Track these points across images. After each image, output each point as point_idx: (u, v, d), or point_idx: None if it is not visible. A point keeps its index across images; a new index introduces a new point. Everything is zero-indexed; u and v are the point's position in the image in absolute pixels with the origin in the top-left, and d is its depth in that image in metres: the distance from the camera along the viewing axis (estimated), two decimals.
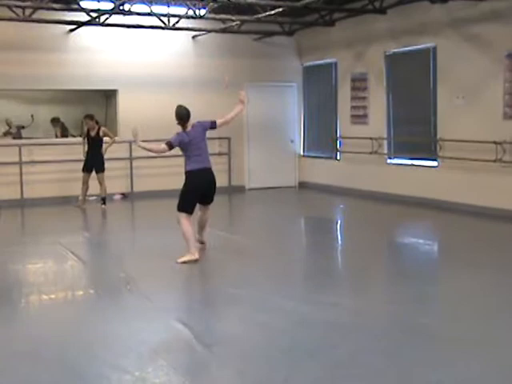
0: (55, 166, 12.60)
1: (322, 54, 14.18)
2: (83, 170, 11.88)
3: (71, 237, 9.24)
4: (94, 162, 11.82)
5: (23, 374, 4.45)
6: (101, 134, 11.76)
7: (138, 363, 4.58)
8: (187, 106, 7.56)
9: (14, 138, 13.59)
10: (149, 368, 4.49)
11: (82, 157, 11.94)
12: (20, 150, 12.37)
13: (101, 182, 11.91)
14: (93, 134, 11.78)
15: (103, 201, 11.95)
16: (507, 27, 9.98)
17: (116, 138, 12.07)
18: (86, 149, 11.88)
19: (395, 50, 12.29)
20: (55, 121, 14.03)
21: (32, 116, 14.05)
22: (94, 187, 12.32)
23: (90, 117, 11.87)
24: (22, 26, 11.83)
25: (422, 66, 11.76)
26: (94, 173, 11.89)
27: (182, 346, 4.87)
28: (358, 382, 4.24)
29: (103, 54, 12.94)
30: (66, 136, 13.78)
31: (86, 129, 11.93)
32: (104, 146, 11.83)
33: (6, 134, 13.86)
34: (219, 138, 13.93)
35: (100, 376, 4.40)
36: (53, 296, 6.43)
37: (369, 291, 6.55)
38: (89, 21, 11.79)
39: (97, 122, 11.97)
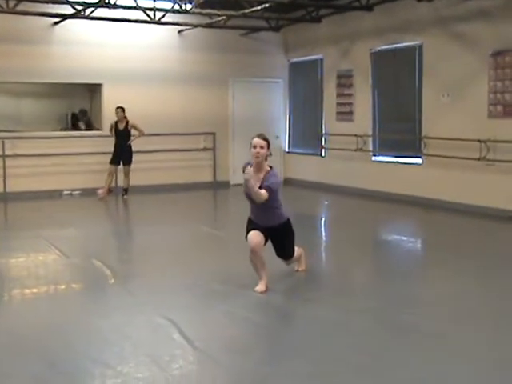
0: (39, 160, 12.52)
1: (309, 50, 14.16)
2: (111, 162, 12.23)
3: (54, 231, 9.18)
4: (122, 154, 12.18)
5: (3, 368, 4.40)
6: (129, 127, 12.10)
7: (120, 358, 4.55)
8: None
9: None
10: (131, 363, 4.46)
11: (106, 149, 12.23)
12: (3, 143, 12.27)
13: (126, 174, 12.32)
14: (121, 127, 12.12)
15: (125, 191, 12.38)
16: (493, 26, 10.02)
17: (144, 132, 12.31)
18: (114, 141, 12.20)
19: (381, 48, 12.31)
20: (82, 113, 14.03)
21: None
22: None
23: (122, 109, 12.15)
24: (5, 18, 11.69)
25: (408, 63, 11.78)
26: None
27: (165, 341, 4.84)
28: (341, 380, 4.22)
29: (88, 47, 12.83)
30: (90, 129, 13.72)
31: (113, 121, 12.26)
32: (131, 138, 12.18)
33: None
34: (204, 133, 13.92)
35: (82, 370, 4.37)
36: (35, 290, 6.38)
37: (353, 288, 6.55)
38: (74, 14, 11.70)
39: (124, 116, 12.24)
